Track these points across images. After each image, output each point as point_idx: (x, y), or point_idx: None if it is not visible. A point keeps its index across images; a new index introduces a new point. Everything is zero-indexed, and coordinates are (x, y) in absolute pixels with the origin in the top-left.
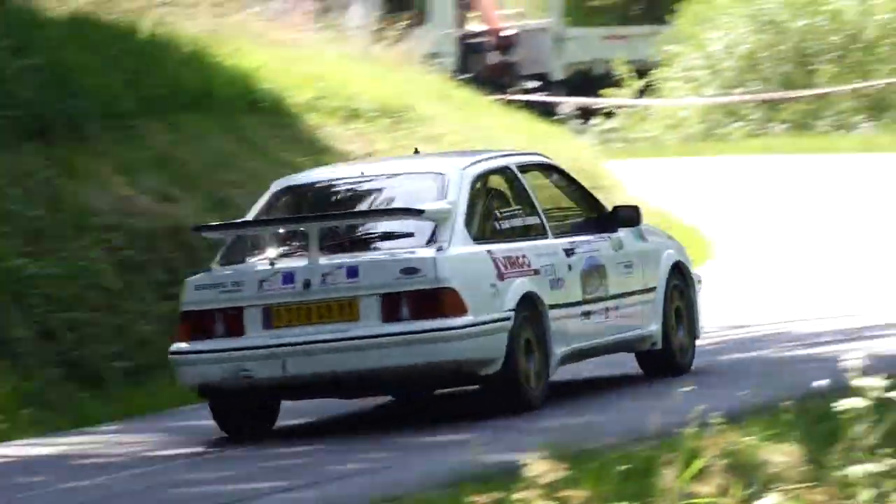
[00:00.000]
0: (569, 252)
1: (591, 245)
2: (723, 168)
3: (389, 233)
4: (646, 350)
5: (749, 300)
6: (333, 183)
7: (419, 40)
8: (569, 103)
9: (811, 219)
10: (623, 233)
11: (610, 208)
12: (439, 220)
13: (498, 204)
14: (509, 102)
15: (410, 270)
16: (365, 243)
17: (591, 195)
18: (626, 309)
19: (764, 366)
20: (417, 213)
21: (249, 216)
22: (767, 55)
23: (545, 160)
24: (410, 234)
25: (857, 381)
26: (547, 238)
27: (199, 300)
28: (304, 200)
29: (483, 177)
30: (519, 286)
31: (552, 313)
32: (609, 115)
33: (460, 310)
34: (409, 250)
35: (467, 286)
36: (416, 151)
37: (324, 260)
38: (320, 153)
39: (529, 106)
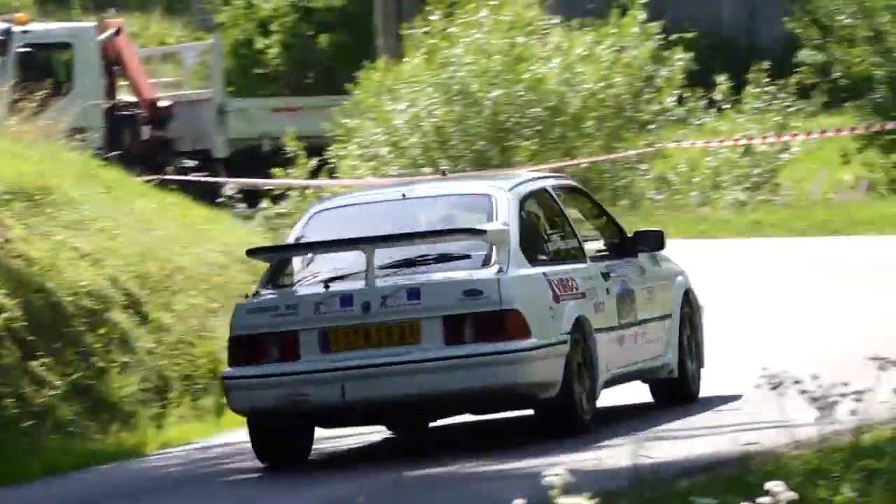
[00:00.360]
0: (605, 276)
1: (622, 269)
2: None
3: (446, 254)
4: (662, 378)
5: None
6: (375, 205)
7: (61, 112)
8: (233, 184)
9: None
10: (642, 258)
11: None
12: (497, 242)
13: (542, 226)
14: (164, 183)
15: (474, 292)
16: (420, 265)
17: (612, 218)
18: (650, 335)
19: (455, 484)
20: (480, 234)
21: (290, 239)
22: (458, 130)
23: (570, 182)
24: (467, 256)
25: (560, 500)
26: (585, 262)
27: (252, 324)
28: (346, 223)
29: (527, 198)
30: (572, 309)
31: (596, 337)
32: (279, 197)
33: (524, 332)
34: (468, 272)
35: (529, 308)
36: (444, 174)
37: (381, 282)
38: None
39: (187, 187)
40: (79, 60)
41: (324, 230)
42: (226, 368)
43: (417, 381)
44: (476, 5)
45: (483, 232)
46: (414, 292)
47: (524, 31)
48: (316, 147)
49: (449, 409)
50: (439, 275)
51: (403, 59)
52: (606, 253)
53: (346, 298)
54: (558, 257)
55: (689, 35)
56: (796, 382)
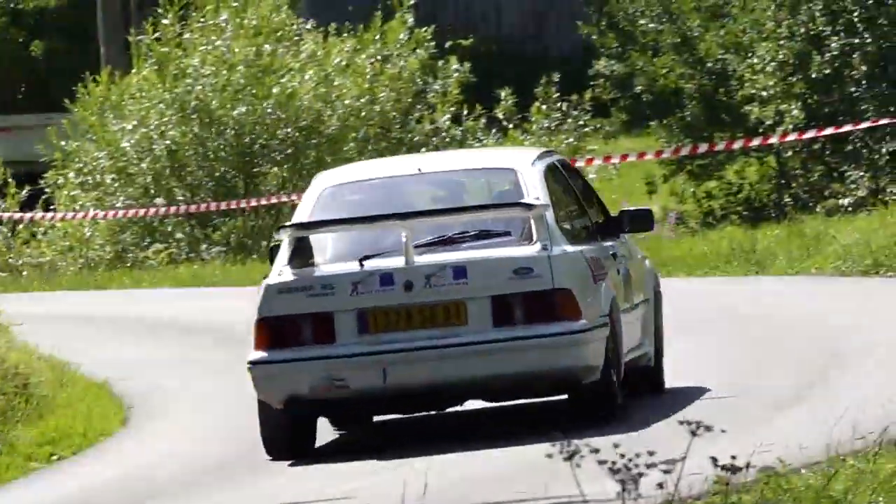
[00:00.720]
0: (613, 256)
1: (619, 250)
2: (140, 304)
3: (484, 231)
4: (641, 366)
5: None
6: (391, 180)
7: None
8: None
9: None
10: (623, 239)
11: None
12: (538, 218)
13: (565, 202)
14: None
15: (525, 271)
16: (458, 242)
17: (598, 196)
18: (638, 322)
19: None
20: (531, 208)
21: (300, 216)
22: (196, 154)
23: (564, 158)
24: (507, 233)
25: None
26: (597, 241)
27: (283, 305)
28: (363, 199)
29: (549, 172)
30: (606, 290)
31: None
32: None
33: (576, 313)
34: (515, 249)
35: (579, 288)
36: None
37: (420, 259)
38: None
39: None
40: None
41: (340, 208)
42: (252, 353)
43: (465, 365)
44: (215, 7)
45: (533, 206)
46: (460, 270)
47: (272, 38)
48: (28, 174)
49: (495, 395)
50: (485, 252)
51: (131, 71)
52: (595, 233)
53: (387, 277)
54: (581, 235)
55: (467, 42)
56: (594, 451)
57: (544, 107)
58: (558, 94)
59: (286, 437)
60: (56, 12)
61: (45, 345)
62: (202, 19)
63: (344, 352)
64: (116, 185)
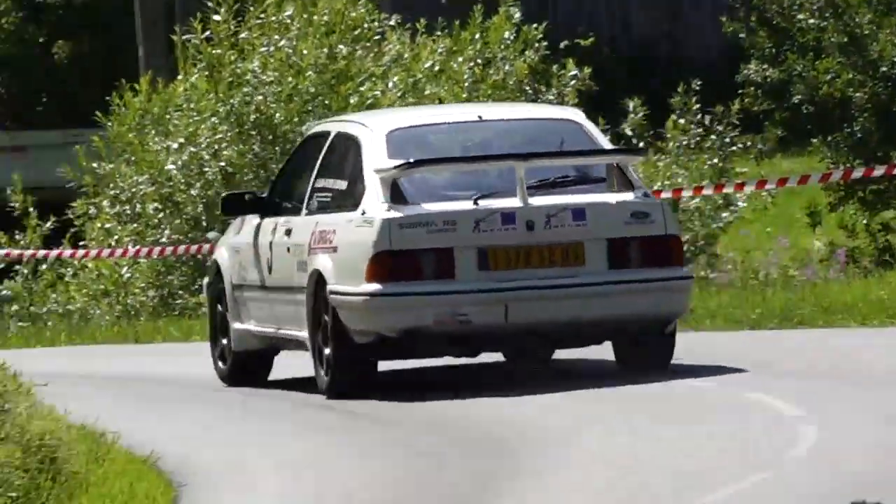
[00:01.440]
0: None
1: None
2: (190, 360)
3: (585, 176)
4: None
5: None
6: (455, 125)
7: None
8: None
9: None
10: None
11: None
12: (635, 166)
13: None
14: None
15: (641, 215)
16: (560, 185)
17: None
18: None
19: None
20: (642, 153)
21: (377, 158)
22: (255, 178)
23: None
24: (603, 179)
25: None
26: None
27: (404, 238)
28: (432, 143)
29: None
30: None
31: None
32: (1, 272)
33: (682, 260)
34: (621, 195)
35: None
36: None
37: (535, 201)
38: None
39: None
40: None
41: (408, 151)
42: (365, 284)
43: (586, 305)
44: (277, 1)
45: (645, 150)
46: (580, 212)
47: (348, 38)
48: (53, 202)
49: (597, 337)
50: (602, 196)
51: (176, 78)
52: None
53: (509, 216)
54: None
55: (586, 42)
56: None
57: (682, 121)
58: (699, 105)
59: (353, 379)
60: (84, 7)
61: (76, 411)
62: (262, 15)
63: (467, 287)
64: (160, 215)
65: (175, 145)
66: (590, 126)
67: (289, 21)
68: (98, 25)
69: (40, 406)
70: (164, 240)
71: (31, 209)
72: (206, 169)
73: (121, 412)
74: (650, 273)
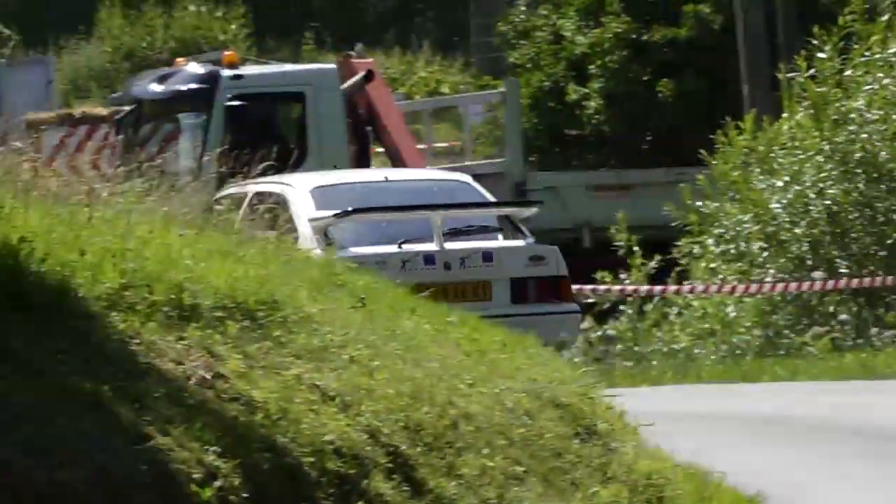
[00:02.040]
0: None
1: None
2: (796, 399)
3: (485, 226)
4: None
5: None
6: (367, 185)
7: None
8: None
9: None
10: None
11: None
12: (523, 217)
13: None
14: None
15: (538, 258)
16: (464, 233)
17: None
18: None
19: None
20: (535, 205)
21: (306, 209)
22: (861, 217)
23: None
24: (500, 229)
25: None
26: None
27: None
28: (347, 198)
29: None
30: None
31: None
32: (606, 312)
33: (570, 296)
34: (518, 241)
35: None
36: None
37: (451, 245)
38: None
39: None
40: (314, 117)
41: (328, 205)
42: None
43: None
44: (881, 38)
45: (541, 203)
46: (488, 255)
47: None
48: (657, 241)
49: None
50: (504, 242)
51: (781, 116)
52: None
53: (430, 258)
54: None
55: None
56: None
57: None
58: None
59: None
60: (689, 45)
61: (683, 449)
62: (866, 53)
63: None
64: (765, 254)
65: (780, 183)
66: (477, 186)
67: (894, 59)
68: (702, 63)
69: (646, 445)
70: (768, 279)
71: (635, 248)
72: (811, 207)
73: (727, 451)
74: (546, 307)
